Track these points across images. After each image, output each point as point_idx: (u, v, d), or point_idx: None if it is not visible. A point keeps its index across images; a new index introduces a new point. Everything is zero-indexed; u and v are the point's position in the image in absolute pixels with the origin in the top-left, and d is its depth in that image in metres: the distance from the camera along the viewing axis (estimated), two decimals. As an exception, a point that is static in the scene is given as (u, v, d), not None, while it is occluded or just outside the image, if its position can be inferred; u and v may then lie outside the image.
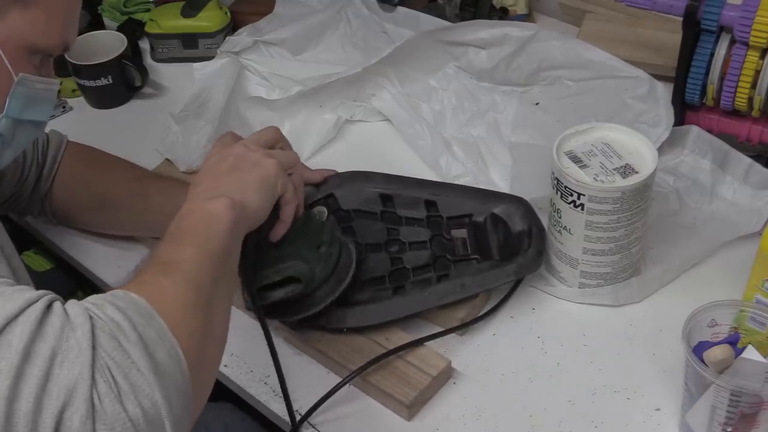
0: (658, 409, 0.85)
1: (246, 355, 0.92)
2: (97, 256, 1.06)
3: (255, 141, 0.85)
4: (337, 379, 0.88)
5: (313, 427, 0.86)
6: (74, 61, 1.25)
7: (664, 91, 1.08)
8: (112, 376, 0.58)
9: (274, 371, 0.84)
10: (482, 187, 1.07)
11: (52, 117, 1.27)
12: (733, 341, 0.78)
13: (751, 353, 0.75)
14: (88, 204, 1.03)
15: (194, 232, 0.72)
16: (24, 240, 1.16)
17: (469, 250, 0.97)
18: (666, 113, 1.06)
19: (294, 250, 0.86)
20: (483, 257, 0.95)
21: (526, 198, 0.99)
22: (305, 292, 0.86)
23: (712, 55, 1.03)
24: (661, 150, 1.01)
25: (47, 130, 1.02)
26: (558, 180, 0.90)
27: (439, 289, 0.91)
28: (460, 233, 0.98)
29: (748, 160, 1.04)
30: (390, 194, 1.00)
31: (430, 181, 1.03)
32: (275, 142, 0.88)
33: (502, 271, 0.92)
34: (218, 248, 0.71)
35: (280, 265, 0.85)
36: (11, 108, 0.75)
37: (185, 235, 0.72)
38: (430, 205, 0.99)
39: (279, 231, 0.85)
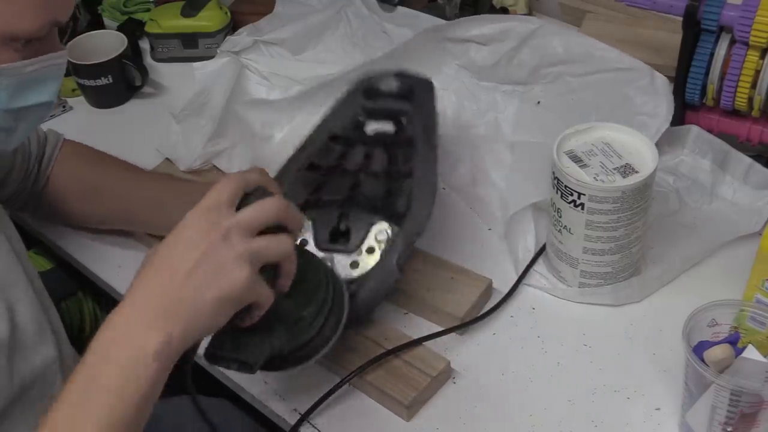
0: (658, 409, 0.85)
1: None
2: (97, 256, 1.06)
3: (246, 225, 0.69)
4: (337, 379, 0.88)
5: (313, 426, 0.86)
6: (74, 61, 1.25)
7: (663, 83, 1.08)
8: None
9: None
10: (481, 187, 1.08)
11: (52, 116, 1.27)
12: (734, 341, 0.78)
13: (751, 353, 0.75)
14: (81, 195, 1.02)
15: (105, 387, 0.63)
16: (24, 240, 1.16)
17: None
18: (666, 104, 1.06)
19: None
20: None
21: (526, 200, 0.99)
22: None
23: (712, 55, 1.03)
24: (661, 150, 1.01)
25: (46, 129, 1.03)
26: (558, 179, 0.90)
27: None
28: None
29: (748, 160, 1.04)
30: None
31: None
32: (271, 219, 0.71)
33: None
34: (132, 407, 0.63)
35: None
36: None
37: (92, 392, 0.63)
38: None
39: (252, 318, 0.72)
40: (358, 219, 0.92)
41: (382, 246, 0.90)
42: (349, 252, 0.90)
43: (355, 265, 0.90)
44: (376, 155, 0.96)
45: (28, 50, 0.74)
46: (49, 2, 0.73)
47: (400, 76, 1.01)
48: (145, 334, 0.64)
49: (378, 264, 0.89)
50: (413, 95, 0.99)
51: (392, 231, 0.91)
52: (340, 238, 0.91)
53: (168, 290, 0.66)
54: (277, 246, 0.70)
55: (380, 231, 0.91)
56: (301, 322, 0.78)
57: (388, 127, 0.98)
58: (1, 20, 0.71)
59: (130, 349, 0.64)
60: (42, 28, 0.73)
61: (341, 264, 0.90)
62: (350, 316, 0.85)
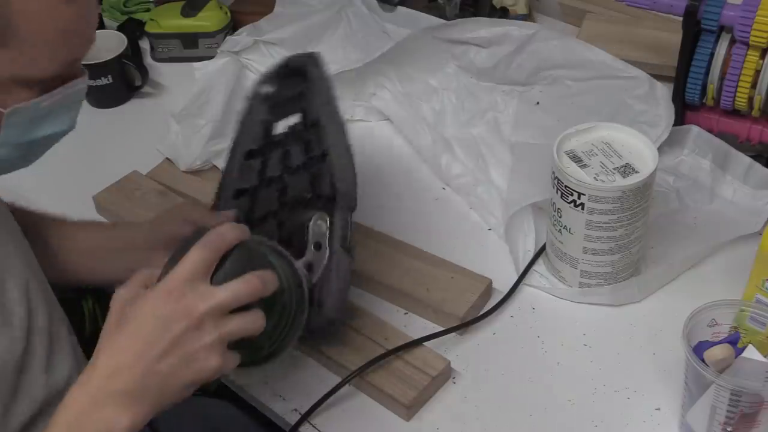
0: (658, 409, 0.85)
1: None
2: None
3: (221, 309, 0.68)
4: (337, 379, 0.88)
5: (313, 426, 0.86)
6: (74, 61, 1.25)
7: (663, 91, 1.08)
8: None
9: (275, 371, 0.84)
10: (481, 187, 1.08)
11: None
12: (734, 341, 0.78)
13: (751, 353, 0.75)
14: None
15: None
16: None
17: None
18: (665, 113, 1.06)
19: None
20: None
21: (526, 200, 0.99)
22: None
23: (712, 54, 1.03)
24: (661, 150, 1.01)
25: None
26: (558, 179, 0.90)
27: None
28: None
29: (748, 160, 1.04)
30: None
31: None
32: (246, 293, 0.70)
33: None
34: None
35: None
36: (9, 136, 0.69)
37: None
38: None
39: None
40: (295, 221, 0.90)
41: (326, 236, 0.88)
42: (299, 257, 0.88)
43: (309, 267, 0.88)
44: (293, 152, 0.93)
45: (45, 85, 0.69)
46: (67, 44, 0.68)
47: (286, 61, 0.97)
48: (113, 415, 0.66)
49: (330, 257, 0.87)
50: (305, 74, 0.95)
51: (328, 217, 0.88)
52: (286, 247, 0.85)
53: (137, 371, 0.67)
54: (249, 326, 0.70)
55: (318, 223, 0.89)
56: (262, 337, 0.74)
57: (295, 119, 0.94)
58: (15, 66, 0.66)
59: (100, 428, 0.66)
60: (59, 70, 0.69)
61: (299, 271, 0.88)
62: (330, 318, 0.87)
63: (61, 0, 0.65)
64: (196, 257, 0.69)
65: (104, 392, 0.66)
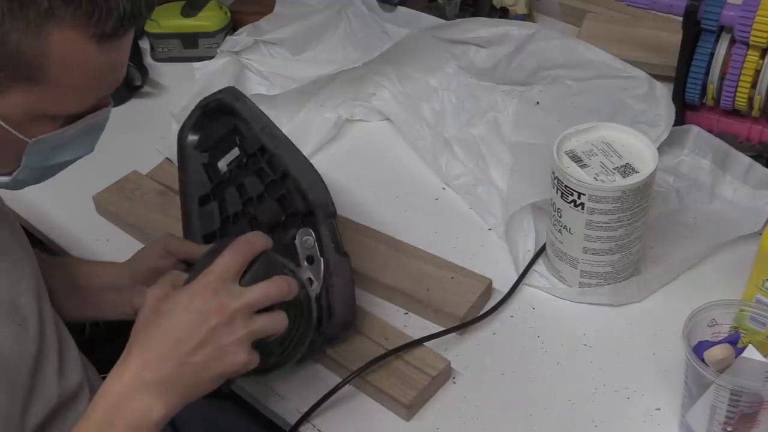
0: (658, 409, 0.85)
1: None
2: (97, 257, 1.05)
3: (250, 308, 0.73)
4: (336, 379, 0.88)
5: (313, 426, 0.86)
6: (74, 61, 1.25)
7: (663, 91, 1.08)
8: None
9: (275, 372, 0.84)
10: (481, 187, 1.08)
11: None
12: (734, 341, 0.78)
13: (751, 353, 0.75)
14: None
15: None
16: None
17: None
18: (665, 113, 1.06)
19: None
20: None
21: (526, 200, 0.99)
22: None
23: (712, 54, 1.03)
24: (661, 150, 1.01)
25: None
26: (558, 179, 0.90)
27: None
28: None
29: (748, 160, 1.04)
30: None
31: None
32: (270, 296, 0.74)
33: None
34: None
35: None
36: (30, 162, 0.70)
37: None
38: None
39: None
40: (278, 243, 0.89)
41: (315, 249, 0.89)
42: (295, 275, 0.87)
43: (310, 281, 0.88)
44: (247, 183, 0.93)
45: (71, 117, 0.70)
46: (97, 88, 0.69)
47: (203, 106, 0.97)
48: (149, 403, 0.69)
49: (326, 266, 0.88)
50: (231, 109, 0.96)
51: (312, 228, 0.89)
52: None
53: (171, 362, 0.70)
54: (274, 326, 0.74)
55: (304, 239, 0.89)
56: (274, 343, 0.78)
57: (235, 152, 0.95)
58: (45, 103, 0.66)
59: (135, 417, 0.69)
60: (87, 108, 0.70)
61: None
62: (344, 321, 0.88)
63: (97, 47, 0.65)
64: (227, 260, 0.73)
65: (140, 381, 0.69)
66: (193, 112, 0.97)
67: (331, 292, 0.88)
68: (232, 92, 0.97)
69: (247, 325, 0.72)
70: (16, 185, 0.74)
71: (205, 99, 0.97)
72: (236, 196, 0.94)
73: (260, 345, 0.75)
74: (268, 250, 0.77)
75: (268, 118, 0.95)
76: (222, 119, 0.96)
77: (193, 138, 0.96)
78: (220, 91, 0.97)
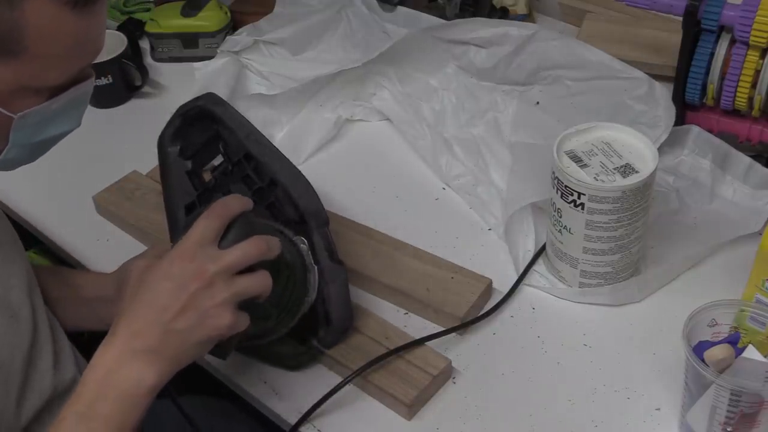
0: (658, 409, 0.85)
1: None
2: (97, 257, 1.06)
3: (229, 269, 0.72)
4: (336, 378, 0.88)
5: (314, 426, 0.86)
6: (74, 61, 1.25)
7: (663, 92, 1.08)
8: None
9: (275, 371, 0.84)
10: (481, 187, 1.08)
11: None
12: (734, 341, 0.78)
13: (751, 353, 0.75)
14: None
15: (105, 419, 0.68)
16: (24, 240, 1.16)
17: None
18: (665, 114, 1.06)
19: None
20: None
21: (526, 200, 0.99)
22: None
23: (712, 54, 1.03)
24: (661, 150, 1.01)
25: None
26: (558, 179, 0.90)
27: None
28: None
29: (748, 160, 1.04)
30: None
31: None
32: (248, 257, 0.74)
33: None
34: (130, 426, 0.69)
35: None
36: (19, 138, 0.71)
37: (92, 421, 0.68)
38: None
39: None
40: None
41: (309, 257, 0.87)
42: None
43: (302, 241, 0.88)
44: (234, 191, 0.93)
45: (54, 89, 0.71)
46: (77, 55, 0.69)
47: (182, 113, 0.96)
48: (140, 371, 0.69)
49: (321, 276, 0.87)
50: (211, 114, 0.94)
51: (304, 236, 0.88)
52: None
53: (156, 330, 0.70)
54: (257, 286, 0.74)
55: (299, 247, 0.88)
56: (269, 305, 0.79)
57: (219, 159, 0.95)
58: (26, 76, 0.67)
59: (127, 387, 0.69)
60: (69, 78, 0.70)
61: None
62: (341, 328, 0.88)
63: (72, 14, 0.65)
64: (203, 224, 0.73)
65: (129, 351, 0.70)
66: (172, 119, 0.96)
67: (328, 301, 0.88)
68: (212, 98, 0.96)
69: (229, 287, 0.72)
70: (7, 165, 0.74)
71: (184, 106, 0.96)
72: None
73: (252, 308, 0.75)
74: (247, 211, 0.77)
75: (252, 125, 0.94)
76: (203, 125, 0.95)
77: (174, 146, 0.96)
78: (199, 98, 0.96)
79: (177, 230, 0.94)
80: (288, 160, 0.92)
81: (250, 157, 0.92)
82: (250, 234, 0.75)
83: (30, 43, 0.64)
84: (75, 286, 0.94)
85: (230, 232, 0.75)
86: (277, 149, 0.93)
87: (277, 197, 0.90)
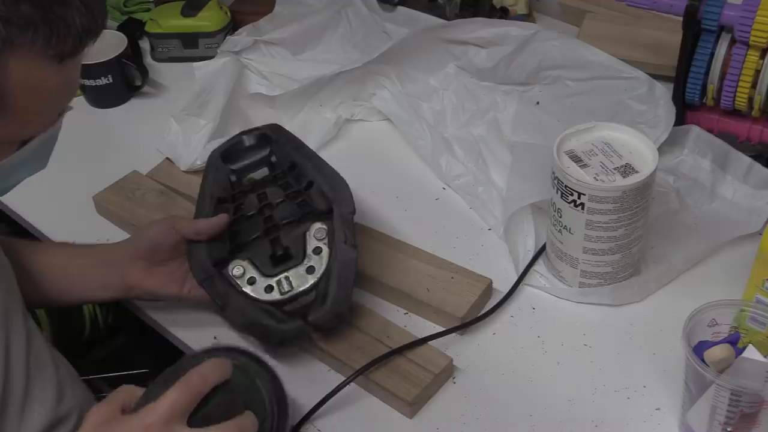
0: (658, 409, 0.85)
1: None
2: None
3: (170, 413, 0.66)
4: (339, 377, 0.88)
5: (314, 426, 0.86)
6: (74, 61, 1.25)
7: (663, 92, 1.08)
8: None
9: (277, 370, 0.84)
10: (481, 187, 1.08)
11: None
12: (734, 341, 0.78)
13: (751, 353, 0.75)
14: None
15: None
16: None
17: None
18: (665, 114, 1.06)
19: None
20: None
21: (526, 200, 0.99)
22: None
23: (712, 54, 1.03)
24: (661, 150, 1.01)
25: None
26: (558, 179, 0.90)
27: None
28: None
29: (748, 160, 1.04)
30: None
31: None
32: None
33: None
34: None
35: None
36: None
37: None
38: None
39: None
40: (290, 234, 0.93)
41: (326, 240, 0.91)
42: (298, 264, 0.91)
43: (311, 270, 0.90)
44: (269, 192, 0.96)
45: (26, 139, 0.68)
46: (57, 105, 0.67)
47: (250, 132, 1.04)
48: None
49: (332, 255, 0.90)
50: (269, 138, 1.02)
51: (327, 224, 0.91)
52: (283, 259, 0.91)
53: None
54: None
55: (317, 230, 0.92)
56: None
57: (264, 172, 0.99)
58: (7, 131, 0.65)
59: None
60: (46, 127, 0.69)
61: (298, 276, 0.90)
62: (334, 311, 0.87)
63: (55, 69, 0.62)
64: (175, 398, 0.67)
65: None
66: (232, 137, 1.04)
67: (329, 280, 0.88)
68: (275, 127, 1.04)
69: None
70: None
71: (245, 131, 1.04)
72: (255, 201, 0.96)
73: None
74: (229, 380, 0.70)
75: (303, 143, 1.02)
76: (261, 145, 1.01)
77: (224, 156, 1.01)
78: (267, 125, 1.05)
79: (201, 213, 0.96)
80: (329, 166, 0.98)
81: (293, 167, 0.98)
82: (227, 409, 0.69)
83: (13, 101, 0.61)
84: (79, 254, 0.93)
85: (207, 406, 0.68)
86: (323, 159, 0.99)
87: (309, 196, 0.94)
